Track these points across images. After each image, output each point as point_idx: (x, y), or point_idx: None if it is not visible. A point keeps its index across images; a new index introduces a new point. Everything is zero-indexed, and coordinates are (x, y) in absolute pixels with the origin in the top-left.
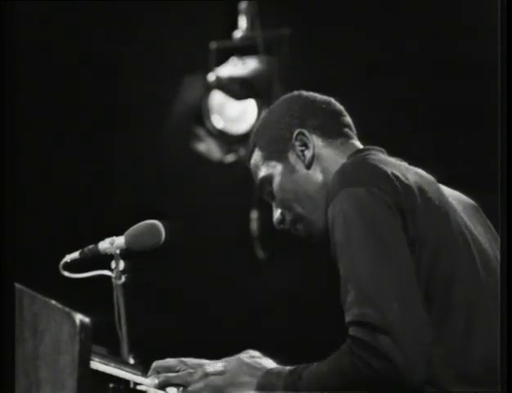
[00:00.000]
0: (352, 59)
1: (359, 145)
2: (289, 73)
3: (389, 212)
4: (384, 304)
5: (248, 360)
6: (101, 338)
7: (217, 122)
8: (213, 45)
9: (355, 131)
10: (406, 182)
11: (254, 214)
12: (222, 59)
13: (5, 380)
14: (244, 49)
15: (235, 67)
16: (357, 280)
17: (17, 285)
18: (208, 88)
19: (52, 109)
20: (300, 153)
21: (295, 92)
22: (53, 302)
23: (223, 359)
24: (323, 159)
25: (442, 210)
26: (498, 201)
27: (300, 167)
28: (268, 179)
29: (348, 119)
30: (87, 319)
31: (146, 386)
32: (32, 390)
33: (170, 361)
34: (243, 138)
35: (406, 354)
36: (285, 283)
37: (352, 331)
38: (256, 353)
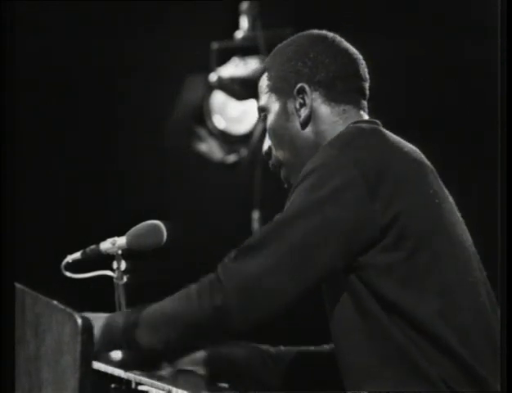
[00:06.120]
0: None
1: (364, 115)
2: None
3: (352, 196)
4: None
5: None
6: None
7: (219, 122)
8: (215, 45)
9: (366, 99)
10: (398, 168)
11: (256, 215)
12: (223, 59)
13: (6, 380)
14: (245, 49)
15: (237, 67)
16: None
17: (19, 285)
18: (210, 88)
19: (52, 109)
20: (298, 107)
21: (326, 33)
22: (55, 302)
23: None
24: (320, 120)
25: (437, 202)
26: (498, 201)
27: (294, 120)
28: (265, 110)
29: (365, 85)
30: (88, 320)
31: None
32: (34, 390)
33: None
34: (244, 139)
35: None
36: None
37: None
38: None
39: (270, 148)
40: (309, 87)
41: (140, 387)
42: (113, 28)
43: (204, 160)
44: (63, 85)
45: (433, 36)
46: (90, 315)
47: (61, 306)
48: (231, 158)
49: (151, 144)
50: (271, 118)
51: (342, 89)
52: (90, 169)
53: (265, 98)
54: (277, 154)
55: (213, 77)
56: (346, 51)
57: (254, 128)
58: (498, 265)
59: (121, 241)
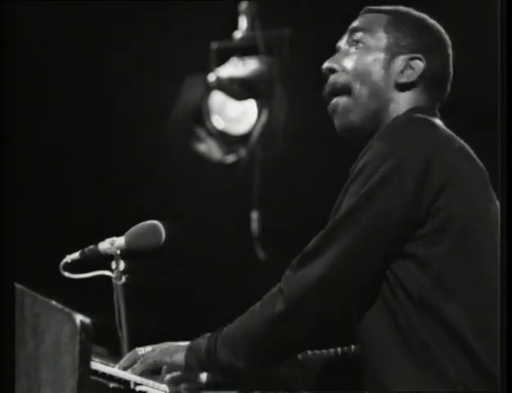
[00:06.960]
0: None
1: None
2: (290, 73)
3: (398, 187)
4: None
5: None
6: (102, 339)
7: (218, 122)
8: (214, 45)
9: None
10: (449, 161)
11: (255, 215)
12: (222, 59)
13: (5, 380)
14: (244, 49)
15: (236, 67)
16: (326, 234)
17: (18, 285)
18: (209, 88)
19: (52, 109)
20: (403, 69)
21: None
22: (54, 302)
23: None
24: (408, 96)
25: (483, 203)
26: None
27: (392, 74)
28: (363, 41)
29: (444, 95)
30: (87, 320)
31: (147, 386)
32: (33, 390)
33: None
34: (243, 139)
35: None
36: None
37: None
38: None
39: (338, 70)
40: (425, 64)
41: (138, 388)
42: (113, 28)
43: (203, 160)
44: (63, 85)
45: None
46: (170, 344)
47: (60, 306)
48: (230, 158)
49: (151, 144)
50: (369, 54)
51: (438, 87)
52: (90, 169)
53: (372, 32)
54: (355, 84)
55: (211, 77)
56: (451, 57)
57: (253, 128)
58: (498, 265)
59: (120, 241)
